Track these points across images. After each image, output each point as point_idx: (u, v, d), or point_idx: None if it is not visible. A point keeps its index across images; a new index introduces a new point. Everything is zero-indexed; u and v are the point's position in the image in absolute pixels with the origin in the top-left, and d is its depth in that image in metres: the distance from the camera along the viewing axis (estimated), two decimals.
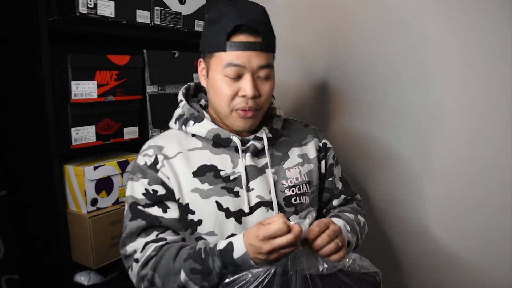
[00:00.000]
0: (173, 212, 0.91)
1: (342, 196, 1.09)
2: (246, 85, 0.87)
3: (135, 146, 1.37)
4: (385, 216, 1.45)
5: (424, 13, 1.27)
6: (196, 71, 1.43)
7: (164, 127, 1.36)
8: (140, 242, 0.89)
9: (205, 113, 0.97)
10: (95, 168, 1.17)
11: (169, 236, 0.90)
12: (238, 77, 0.88)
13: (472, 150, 1.24)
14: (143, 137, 1.33)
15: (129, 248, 0.89)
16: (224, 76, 0.88)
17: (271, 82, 0.92)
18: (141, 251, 0.88)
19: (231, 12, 0.86)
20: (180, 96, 1.00)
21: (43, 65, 1.07)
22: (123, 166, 1.24)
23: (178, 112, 0.99)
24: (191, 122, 0.95)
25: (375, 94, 1.39)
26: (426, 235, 1.36)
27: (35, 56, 1.08)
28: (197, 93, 1.08)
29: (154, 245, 0.88)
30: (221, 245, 0.81)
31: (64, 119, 1.13)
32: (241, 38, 0.86)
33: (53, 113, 1.10)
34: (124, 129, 1.27)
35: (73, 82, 1.10)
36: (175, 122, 0.98)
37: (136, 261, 0.88)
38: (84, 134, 1.16)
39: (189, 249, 0.85)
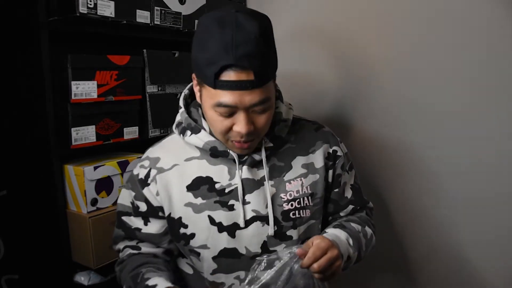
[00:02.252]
0: (152, 227, 0.96)
1: (350, 207, 1.03)
2: (239, 123, 0.82)
3: (135, 146, 1.37)
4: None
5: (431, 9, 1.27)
6: None
7: (164, 127, 1.37)
8: (123, 244, 1.01)
9: (203, 122, 0.93)
10: (95, 168, 1.17)
11: (146, 247, 0.99)
12: (231, 113, 0.82)
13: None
14: (143, 137, 1.33)
15: (116, 246, 1.03)
16: (215, 111, 0.82)
17: (268, 114, 0.85)
18: (121, 252, 1.01)
19: (217, 42, 0.77)
20: (180, 102, 0.96)
21: (43, 65, 1.07)
22: (123, 166, 1.24)
23: (177, 118, 0.97)
24: (188, 132, 0.92)
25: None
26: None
27: (35, 56, 1.07)
28: None
29: (129, 251, 0.99)
30: None
31: (64, 119, 1.13)
32: (231, 76, 0.77)
33: (53, 113, 1.10)
34: (124, 129, 1.27)
35: (73, 82, 1.10)
36: (176, 128, 0.96)
37: (119, 257, 1.02)
38: (84, 134, 1.16)
39: (141, 270, 0.92)
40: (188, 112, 0.95)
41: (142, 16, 1.24)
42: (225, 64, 0.76)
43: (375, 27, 1.38)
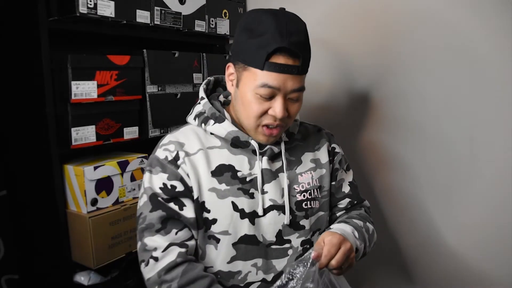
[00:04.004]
0: (188, 211, 0.92)
1: (347, 200, 1.07)
2: (277, 107, 0.86)
3: (135, 146, 1.37)
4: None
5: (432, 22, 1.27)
6: (196, 71, 1.45)
7: (164, 127, 1.37)
8: (161, 240, 0.88)
9: (225, 113, 0.97)
10: (95, 168, 1.17)
11: (186, 237, 0.91)
12: (271, 97, 0.87)
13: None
14: (143, 137, 1.33)
15: (149, 242, 0.89)
16: (256, 93, 0.86)
17: (299, 104, 0.92)
18: (163, 251, 0.87)
19: (272, 28, 0.82)
20: (201, 93, 1.00)
21: (43, 65, 1.07)
22: (123, 166, 1.24)
23: (198, 109, 0.98)
24: (212, 121, 0.95)
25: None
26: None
27: (35, 56, 1.07)
28: (215, 88, 1.07)
29: (178, 250, 0.88)
30: None
31: (64, 119, 1.13)
32: (280, 59, 0.83)
33: (53, 113, 1.10)
34: (124, 129, 1.27)
35: (73, 82, 1.10)
36: (195, 119, 0.98)
37: (156, 259, 0.87)
38: (84, 134, 1.16)
39: None
40: (211, 103, 0.98)
41: (142, 16, 1.24)
42: (279, 46, 0.82)
43: (377, 38, 1.39)
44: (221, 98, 1.03)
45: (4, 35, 1.18)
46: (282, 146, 0.97)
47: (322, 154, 1.04)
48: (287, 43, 0.82)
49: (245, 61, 0.87)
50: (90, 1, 1.09)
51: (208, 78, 1.05)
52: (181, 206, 0.91)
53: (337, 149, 1.07)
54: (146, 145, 1.30)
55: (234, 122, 0.96)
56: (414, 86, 1.34)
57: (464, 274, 1.34)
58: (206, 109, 0.96)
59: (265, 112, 0.88)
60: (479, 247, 1.30)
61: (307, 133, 1.06)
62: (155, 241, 0.88)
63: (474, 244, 1.31)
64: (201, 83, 1.03)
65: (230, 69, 0.93)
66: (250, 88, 0.86)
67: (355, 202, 1.09)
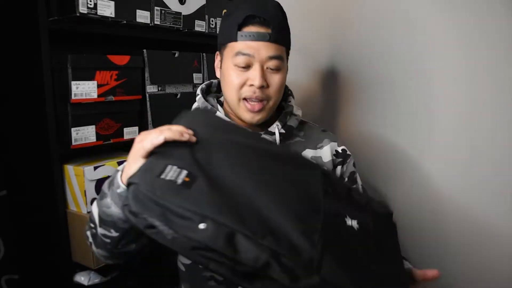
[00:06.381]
0: None
1: None
2: (254, 75, 0.90)
3: None
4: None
5: (430, 11, 1.28)
6: (196, 71, 1.45)
7: None
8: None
9: (219, 107, 0.99)
10: (95, 168, 1.17)
11: None
12: (248, 66, 0.90)
13: (472, 151, 1.24)
14: None
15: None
16: (234, 65, 0.91)
17: (281, 75, 0.93)
18: None
19: (244, 4, 0.91)
20: (198, 91, 1.03)
21: (43, 65, 1.07)
22: None
23: (194, 106, 1.02)
24: None
25: (384, 94, 1.39)
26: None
27: (35, 56, 1.07)
28: (219, 90, 1.08)
29: None
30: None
31: (64, 119, 1.13)
32: (251, 28, 0.89)
33: (53, 113, 1.10)
34: (124, 129, 1.27)
35: (73, 82, 1.10)
36: None
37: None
38: (84, 134, 1.16)
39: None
40: (205, 99, 1.01)
41: (142, 16, 1.24)
42: (248, 15, 0.89)
43: (375, 27, 1.39)
44: (222, 98, 1.04)
45: (4, 35, 1.18)
46: (277, 136, 0.97)
47: (325, 153, 1.03)
48: (256, 11, 0.88)
49: (224, 40, 0.94)
50: (90, 1, 1.09)
51: (211, 80, 1.08)
52: None
53: (349, 151, 1.06)
54: None
55: (228, 116, 0.98)
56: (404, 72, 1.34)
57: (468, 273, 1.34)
58: (200, 104, 1.00)
59: (244, 84, 0.91)
60: (485, 246, 1.29)
61: (310, 131, 1.06)
62: None
63: (480, 240, 1.29)
64: (201, 83, 1.05)
65: (218, 57, 0.99)
66: (229, 61, 0.92)
67: None
